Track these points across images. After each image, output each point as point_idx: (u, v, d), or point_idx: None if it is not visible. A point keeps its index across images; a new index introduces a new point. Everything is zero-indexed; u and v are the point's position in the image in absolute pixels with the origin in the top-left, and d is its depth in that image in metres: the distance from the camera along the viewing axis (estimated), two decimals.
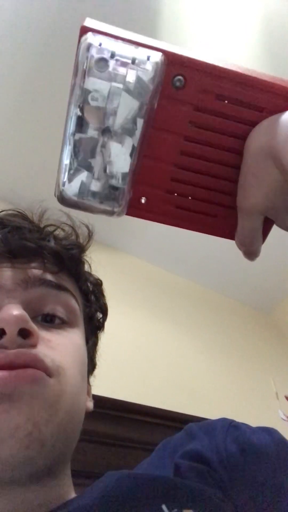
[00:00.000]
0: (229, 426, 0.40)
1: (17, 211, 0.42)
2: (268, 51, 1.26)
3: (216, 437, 0.39)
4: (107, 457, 1.02)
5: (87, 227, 0.46)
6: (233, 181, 0.32)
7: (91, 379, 0.47)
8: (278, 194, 0.30)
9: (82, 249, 0.44)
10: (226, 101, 0.30)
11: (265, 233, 0.33)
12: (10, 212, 0.42)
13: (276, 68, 1.25)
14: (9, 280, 0.36)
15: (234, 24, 1.22)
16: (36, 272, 0.37)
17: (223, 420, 0.42)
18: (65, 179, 0.30)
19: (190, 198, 0.33)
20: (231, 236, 0.34)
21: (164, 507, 0.29)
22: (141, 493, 0.31)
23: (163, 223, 0.33)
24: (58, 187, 0.30)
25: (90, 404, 0.43)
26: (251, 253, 0.33)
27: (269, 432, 0.39)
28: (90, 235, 0.45)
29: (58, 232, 0.43)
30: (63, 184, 0.30)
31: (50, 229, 0.42)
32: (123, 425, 1.09)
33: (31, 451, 0.29)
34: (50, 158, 1.31)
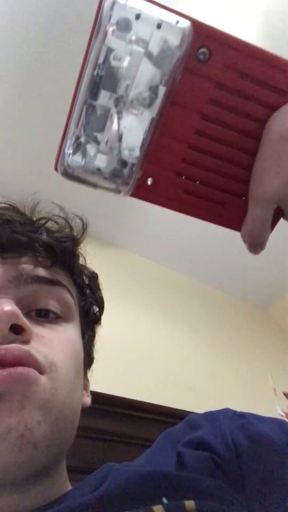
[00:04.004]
0: (233, 415, 0.39)
1: (8, 204, 0.41)
2: (269, 45, 1.25)
3: (220, 424, 0.38)
4: (105, 453, 1.01)
5: (81, 219, 0.45)
6: (246, 167, 0.31)
7: (89, 374, 0.46)
8: None
9: (76, 241, 0.43)
10: (248, 81, 0.28)
11: (272, 225, 0.32)
12: (1, 205, 0.41)
13: None
14: (0, 277, 0.35)
15: (234, 18, 1.21)
16: (28, 268, 0.36)
17: (227, 410, 0.41)
18: (70, 150, 0.28)
19: (199, 182, 0.31)
20: (237, 227, 0.33)
21: (164, 499, 0.29)
22: (140, 487, 0.31)
23: (168, 207, 0.32)
24: (61, 158, 0.28)
25: (88, 400, 0.42)
26: (257, 245, 0.31)
27: (278, 422, 0.39)
28: (84, 227, 0.44)
29: (51, 225, 0.42)
30: (68, 156, 0.28)
31: (42, 221, 0.41)
32: (121, 422, 1.09)
33: (24, 454, 0.28)
34: (43, 149, 1.31)
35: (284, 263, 1.77)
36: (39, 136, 1.33)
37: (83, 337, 0.42)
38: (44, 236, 0.39)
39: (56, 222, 0.43)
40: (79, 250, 0.44)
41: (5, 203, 0.41)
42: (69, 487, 0.37)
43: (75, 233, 0.44)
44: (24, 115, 1.32)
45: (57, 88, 1.24)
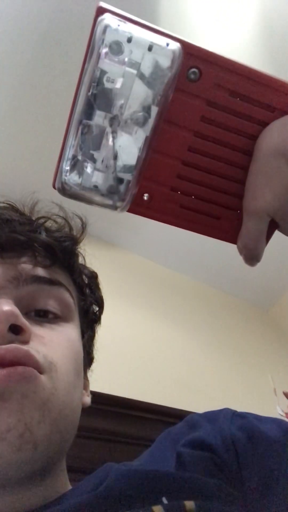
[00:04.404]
0: (232, 415, 0.39)
1: (7, 203, 0.41)
2: (266, 44, 1.25)
3: (220, 424, 0.38)
4: (105, 453, 1.01)
5: (80, 218, 0.45)
6: (239, 182, 0.31)
7: (89, 374, 0.46)
8: None
9: (75, 241, 0.43)
10: (238, 98, 0.29)
11: (267, 238, 0.33)
12: (0, 204, 0.41)
13: (273, 60, 1.25)
14: (0, 277, 0.35)
15: (233, 18, 1.21)
16: (27, 268, 0.36)
17: (226, 409, 0.41)
18: (67, 167, 0.29)
19: (194, 197, 0.32)
20: (233, 240, 0.34)
21: (164, 499, 0.29)
22: (140, 487, 0.30)
23: (165, 222, 0.33)
24: (58, 176, 0.29)
25: (87, 400, 0.42)
26: (253, 257, 0.32)
27: (277, 422, 0.39)
28: (83, 226, 0.44)
29: (51, 224, 0.42)
30: (65, 173, 0.29)
31: (41, 221, 0.41)
32: (122, 421, 1.09)
33: (23, 454, 0.28)
34: (42, 148, 1.32)
35: (284, 263, 1.77)
36: (39, 135, 1.33)
37: (82, 336, 0.42)
38: (44, 236, 0.39)
39: (56, 222, 0.43)
40: (79, 249, 0.44)
41: (4, 203, 0.41)
42: (69, 487, 0.37)
43: (74, 233, 0.43)
44: (24, 114, 1.32)
45: (57, 87, 1.25)
